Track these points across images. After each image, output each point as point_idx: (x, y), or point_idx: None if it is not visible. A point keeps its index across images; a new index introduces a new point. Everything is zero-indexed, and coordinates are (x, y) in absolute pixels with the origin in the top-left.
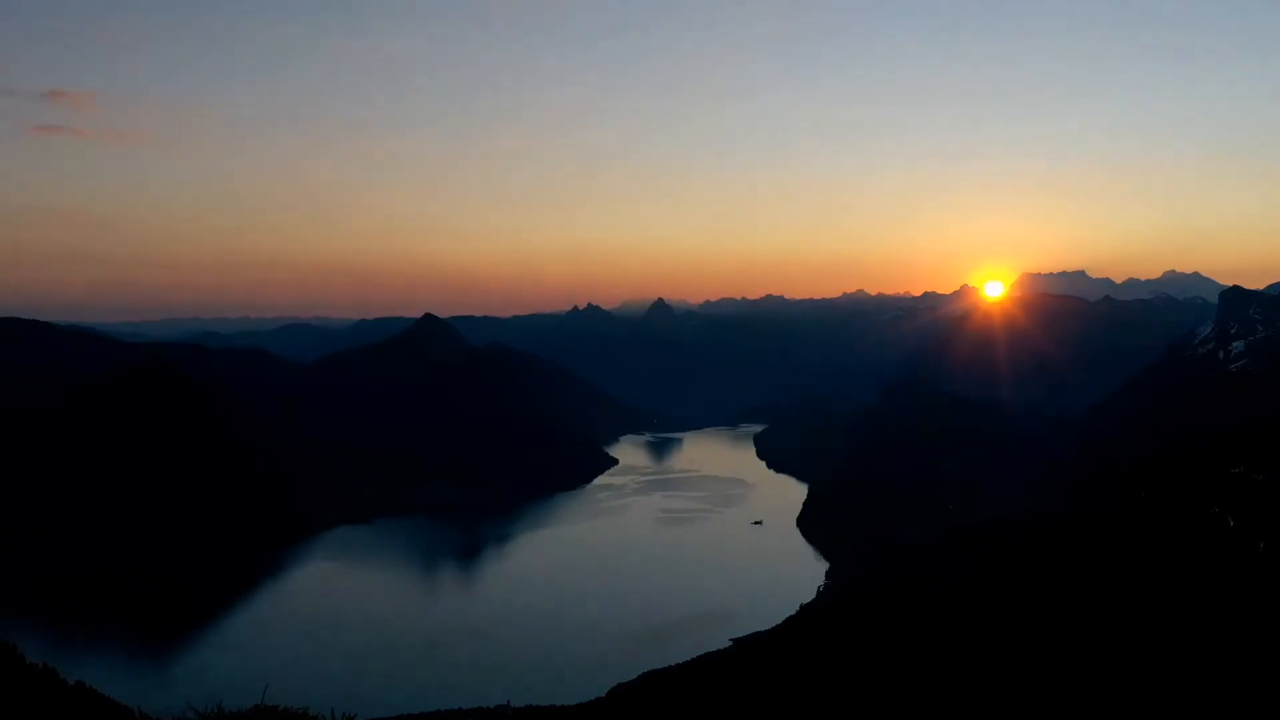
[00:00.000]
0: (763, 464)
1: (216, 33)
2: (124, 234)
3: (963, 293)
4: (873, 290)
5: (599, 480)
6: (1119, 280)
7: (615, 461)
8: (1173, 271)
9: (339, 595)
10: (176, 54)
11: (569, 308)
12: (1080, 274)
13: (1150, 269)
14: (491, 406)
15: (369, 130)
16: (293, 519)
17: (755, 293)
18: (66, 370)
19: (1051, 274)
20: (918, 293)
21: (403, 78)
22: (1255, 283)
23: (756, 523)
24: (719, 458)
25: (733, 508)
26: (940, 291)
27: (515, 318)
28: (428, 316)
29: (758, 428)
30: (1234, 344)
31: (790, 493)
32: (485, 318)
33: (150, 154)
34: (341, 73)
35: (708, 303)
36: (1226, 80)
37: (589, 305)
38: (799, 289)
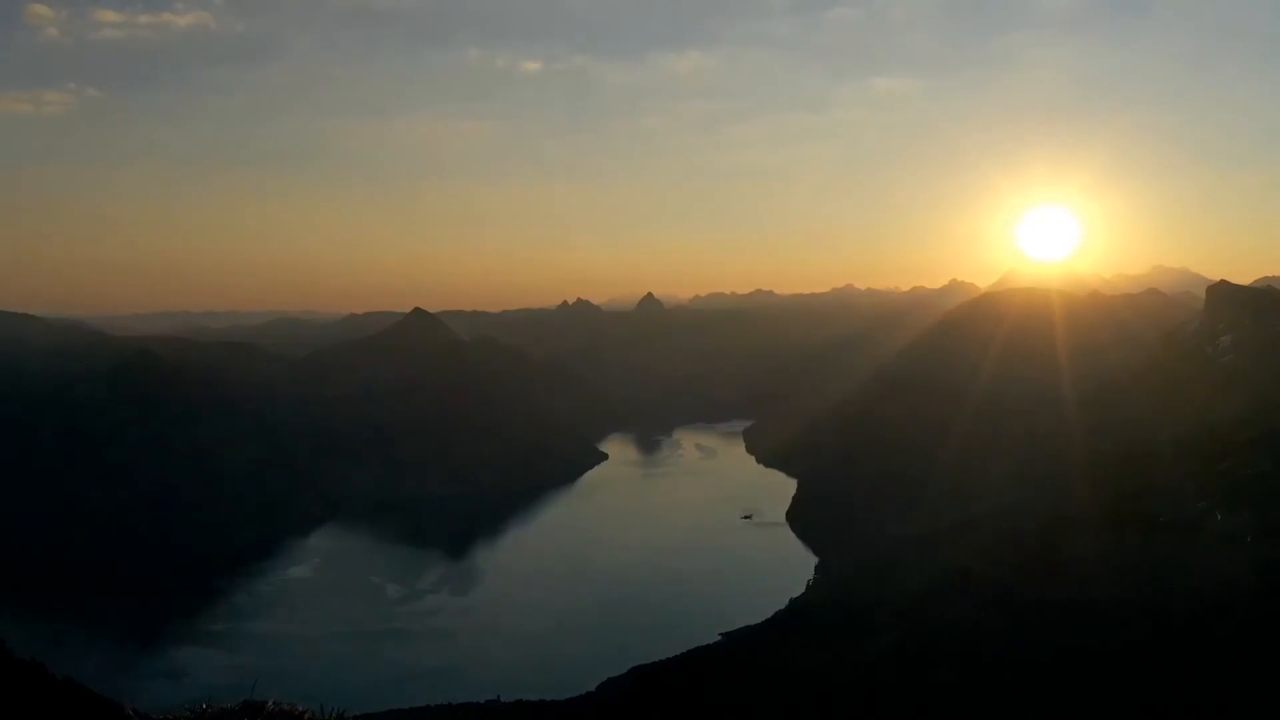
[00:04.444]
0: (752, 458)
1: (209, 30)
2: (112, 227)
3: (951, 287)
4: (862, 285)
5: (589, 475)
6: (1106, 274)
7: (605, 456)
8: (1160, 266)
9: (328, 590)
10: (169, 53)
11: (558, 302)
12: (1068, 268)
13: (1137, 264)
14: (481, 401)
15: (362, 125)
16: (282, 514)
17: (745, 288)
18: (53, 363)
19: (1039, 268)
20: (906, 288)
21: (392, 73)
22: (1243, 278)
23: (746, 517)
24: (708, 452)
25: (722, 502)
26: (928, 286)
27: (505, 312)
28: (417, 311)
29: (747, 423)
30: (1221, 339)
31: (780, 487)
32: (475, 312)
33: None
34: (336, 68)
35: (697, 297)
36: (1220, 76)
37: (578, 300)
38: (788, 284)
